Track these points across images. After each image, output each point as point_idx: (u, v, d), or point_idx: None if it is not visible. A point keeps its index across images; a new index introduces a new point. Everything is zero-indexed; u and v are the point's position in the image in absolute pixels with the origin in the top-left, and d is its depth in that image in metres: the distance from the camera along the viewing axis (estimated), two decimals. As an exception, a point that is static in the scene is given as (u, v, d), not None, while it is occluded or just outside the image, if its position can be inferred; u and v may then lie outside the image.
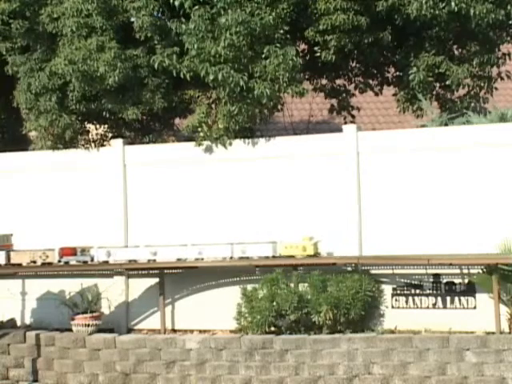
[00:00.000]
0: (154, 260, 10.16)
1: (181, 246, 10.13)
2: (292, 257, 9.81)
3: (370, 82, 12.53)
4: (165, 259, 10.15)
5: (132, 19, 11.03)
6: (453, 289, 9.83)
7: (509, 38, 11.80)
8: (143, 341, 10.04)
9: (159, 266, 10.33)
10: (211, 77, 10.06)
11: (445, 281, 9.87)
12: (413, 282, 9.95)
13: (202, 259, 10.05)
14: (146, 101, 10.88)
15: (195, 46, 10.14)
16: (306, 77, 12.18)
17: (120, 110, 10.97)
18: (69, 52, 10.60)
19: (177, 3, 10.38)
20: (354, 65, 12.34)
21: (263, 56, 10.30)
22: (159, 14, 10.83)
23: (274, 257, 9.87)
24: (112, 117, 11.46)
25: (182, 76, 10.50)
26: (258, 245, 9.91)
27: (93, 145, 11.54)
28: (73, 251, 10.37)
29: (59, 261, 10.28)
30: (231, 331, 10.16)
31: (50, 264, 10.28)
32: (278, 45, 10.27)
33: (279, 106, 11.26)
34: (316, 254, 9.83)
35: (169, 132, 12.46)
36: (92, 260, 10.28)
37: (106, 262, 10.26)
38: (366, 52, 11.48)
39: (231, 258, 9.94)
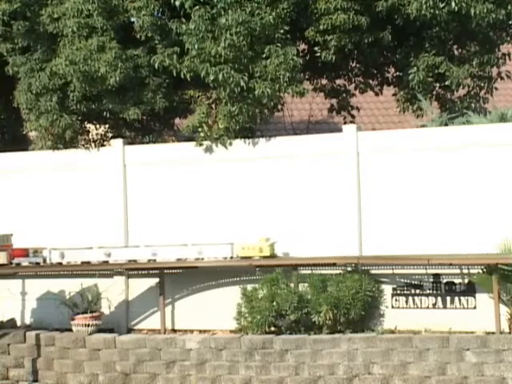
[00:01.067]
0: (107, 262, 10.18)
1: (135, 246, 10.31)
2: (249, 257, 9.88)
3: (370, 82, 12.53)
4: (119, 260, 10.21)
5: (132, 19, 11.04)
6: (453, 289, 9.83)
7: (509, 38, 11.80)
8: (143, 341, 10.04)
9: (159, 266, 10.33)
10: (211, 77, 10.07)
11: (445, 281, 9.86)
12: (413, 282, 9.95)
13: (155, 260, 10.12)
14: (147, 101, 10.88)
15: (195, 46, 10.14)
16: (306, 77, 12.18)
17: (121, 110, 10.97)
18: (70, 52, 10.60)
19: (177, 3, 10.38)
20: (354, 65, 12.34)
21: (263, 56, 10.30)
22: (159, 14, 10.82)
23: (232, 258, 9.95)
24: (112, 117, 11.46)
25: (182, 76, 10.50)
26: (214, 246, 10.01)
27: (93, 145, 11.54)
28: (24, 252, 10.36)
29: (10, 262, 10.23)
30: (231, 331, 10.16)
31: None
32: (278, 44, 10.27)
33: (279, 106, 11.26)
34: (272, 255, 9.91)
35: (169, 132, 12.47)
36: (44, 261, 10.25)
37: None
38: (366, 52, 11.48)
39: (186, 259, 10.04)
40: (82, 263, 10.26)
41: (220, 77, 10.01)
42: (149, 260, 10.15)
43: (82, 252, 10.29)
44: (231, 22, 9.97)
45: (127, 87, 10.86)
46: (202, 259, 10.04)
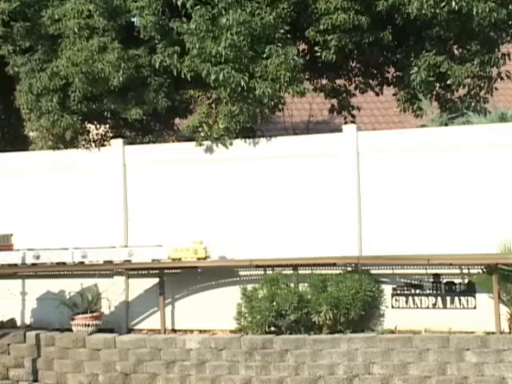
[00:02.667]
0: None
1: (62, 249, 10.33)
2: (179, 259, 10.02)
3: (371, 81, 12.52)
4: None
5: (133, 19, 11.03)
6: (453, 289, 9.83)
7: (509, 38, 11.78)
8: (143, 341, 10.03)
9: (159, 266, 10.33)
10: (213, 77, 10.06)
11: (445, 281, 9.86)
12: (413, 282, 9.95)
13: (83, 263, 10.22)
14: (149, 100, 10.88)
15: (196, 46, 10.13)
16: (306, 77, 12.17)
17: (123, 110, 10.97)
18: (71, 53, 10.59)
19: (179, 2, 10.37)
20: (354, 65, 12.33)
21: (264, 56, 10.29)
22: (160, 14, 10.80)
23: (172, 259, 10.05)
24: (112, 117, 11.46)
25: (182, 76, 10.50)
26: (146, 248, 10.10)
27: (93, 145, 11.54)
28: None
29: None
30: (231, 331, 10.16)
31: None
32: (279, 44, 10.27)
33: (280, 106, 11.26)
34: (206, 257, 10.00)
35: (169, 132, 12.46)
36: (23, 262, 10.29)
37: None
38: (366, 52, 11.47)
39: (111, 261, 10.13)
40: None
41: (221, 76, 10.01)
42: (78, 262, 10.20)
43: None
44: (232, 21, 9.97)
45: (129, 87, 10.85)
46: (130, 261, 10.11)
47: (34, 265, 10.40)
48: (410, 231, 9.90)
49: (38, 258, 10.26)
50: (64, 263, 10.35)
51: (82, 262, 10.28)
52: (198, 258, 10.00)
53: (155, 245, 10.16)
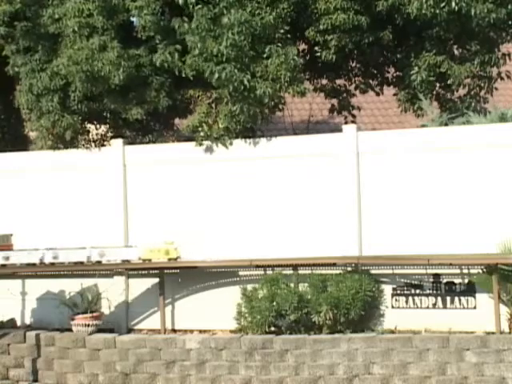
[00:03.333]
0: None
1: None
2: (150, 260, 10.08)
3: (371, 81, 12.52)
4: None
5: (133, 19, 11.03)
6: (453, 289, 9.83)
7: (509, 38, 11.78)
8: (143, 341, 10.03)
9: (159, 266, 10.33)
10: (216, 75, 10.05)
11: (445, 281, 9.86)
12: (413, 282, 9.95)
13: (54, 264, 10.22)
14: (150, 100, 10.88)
15: (198, 45, 10.13)
16: (307, 77, 12.17)
17: (123, 110, 10.96)
18: (71, 52, 10.59)
19: (180, 2, 10.36)
20: (354, 65, 12.33)
21: (264, 55, 10.30)
22: (160, 14, 10.80)
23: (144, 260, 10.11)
24: (112, 117, 11.46)
25: (183, 75, 10.50)
26: (118, 249, 10.15)
27: (93, 145, 11.54)
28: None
29: None
30: (231, 331, 10.16)
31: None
32: (279, 44, 10.27)
33: (280, 106, 11.27)
34: (177, 258, 10.07)
35: (169, 132, 12.46)
36: None
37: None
38: (366, 52, 11.48)
39: (89, 261, 10.13)
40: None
41: (223, 75, 10.00)
42: (51, 263, 10.22)
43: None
44: (233, 21, 9.97)
45: (129, 87, 10.84)
46: (100, 262, 10.15)
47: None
48: (410, 231, 9.90)
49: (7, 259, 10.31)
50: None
51: (53, 263, 10.27)
52: (169, 259, 10.07)
53: (126, 245, 10.24)
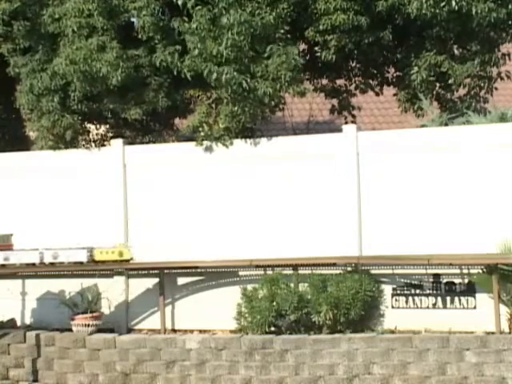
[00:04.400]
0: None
1: None
2: (105, 262, 10.06)
3: (371, 82, 12.52)
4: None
5: (133, 19, 11.03)
6: (453, 289, 9.83)
7: (509, 38, 11.78)
8: (143, 341, 10.03)
9: (159, 266, 10.34)
10: (214, 76, 10.05)
11: (445, 281, 9.86)
12: (413, 282, 9.94)
13: (3, 265, 10.15)
14: (149, 100, 10.88)
15: (198, 45, 10.12)
16: (307, 77, 12.17)
17: (122, 110, 10.96)
18: (70, 52, 10.59)
19: (179, 2, 10.36)
20: (354, 65, 12.33)
21: (265, 55, 10.29)
22: (160, 14, 10.80)
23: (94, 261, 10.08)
24: (112, 117, 11.46)
25: (182, 75, 10.50)
26: (70, 250, 10.08)
27: (93, 145, 11.54)
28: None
29: None
30: (231, 331, 10.15)
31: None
32: (280, 44, 10.27)
33: (280, 106, 11.26)
34: (130, 259, 10.09)
35: (169, 132, 12.47)
36: None
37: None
38: (366, 52, 11.46)
39: (42, 263, 10.08)
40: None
41: (223, 77, 9.99)
42: (51, 263, 10.17)
43: None
44: (233, 21, 9.96)
45: (128, 87, 10.85)
46: (53, 264, 10.11)
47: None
48: (410, 231, 9.89)
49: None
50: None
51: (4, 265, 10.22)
52: (121, 261, 10.08)
53: (79, 247, 10.14)
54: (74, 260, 10.07)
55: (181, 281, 10.60)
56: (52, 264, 10.15)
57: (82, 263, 10.07)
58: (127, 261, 10.12)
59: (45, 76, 10.79)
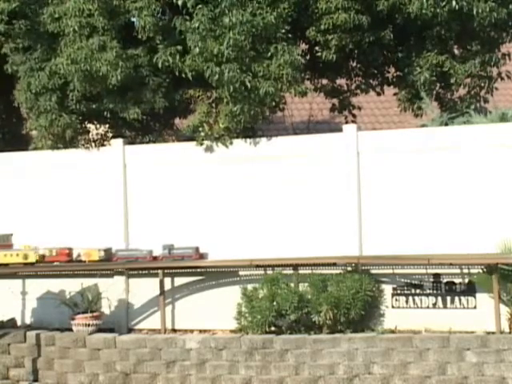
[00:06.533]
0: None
1: None
2: (7, 265, 10.07)
3: (371, 81, 12.51)
4: None
5: (133, 19, 11.02)
6: (453, 289, 9.83)
7: (509, 38, 11.78)
8: (143, 341, 10.04)
9: (159, 266, 10.34)
10: (216, 76, 10.04)
11: (445, 281, 9.86)
12: (413, 282, 9.95)
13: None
14: (147, 100, 10.88)
15: (199, 45, 10.11)
16: (307, 77, 12.16)
17: (121, 110, 10.96)
18: (71, 51, 10.59)
19: (180, 2, 10.36)
20: (354, 64, 12.32)
21: (266, 55, 10.28)
22: (160, 14, 10.79)
23: None
24: (112, 116, 11.45)
25: (183, 75, 10.49)
26: None
27: (93, 144, 11.50)
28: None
29: None
30: (231, 331, 10.16)
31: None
32: (283, 43, 10.26)
33: (281, 106, 11.25)
34: (36, 262, 10.08)
35: (169, 132, 12.46)
36: None
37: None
38: (366, 51, 11.45)
39: None
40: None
41: (225, 75, 9.99)
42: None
43: None
44: (234, 21, 9.96)
45: (127, 87, 10.84)
46: None
47: None
48: (410, 231, 9.90)
49: None
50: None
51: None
52: (25, 264, 10.07)
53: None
54: None
55: (181, 281, 10.60)
56: None
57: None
58: (32, 264, 10.08)
59: (43, 75, 10.78)
